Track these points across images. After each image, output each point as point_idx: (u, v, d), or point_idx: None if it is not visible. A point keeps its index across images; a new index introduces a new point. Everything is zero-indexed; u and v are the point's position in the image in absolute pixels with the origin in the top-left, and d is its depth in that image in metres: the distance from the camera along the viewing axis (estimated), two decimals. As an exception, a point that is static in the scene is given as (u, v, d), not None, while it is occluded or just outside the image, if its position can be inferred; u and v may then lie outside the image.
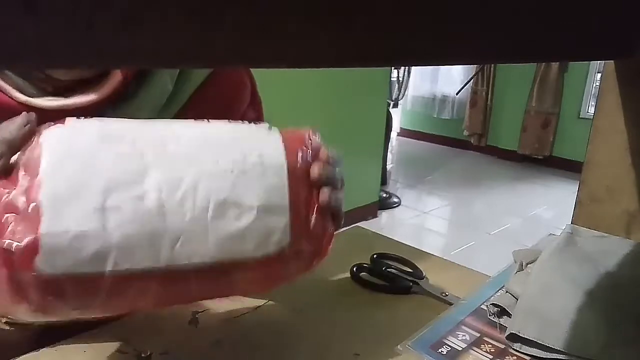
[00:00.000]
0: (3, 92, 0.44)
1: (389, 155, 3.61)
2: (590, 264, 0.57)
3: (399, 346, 0.50)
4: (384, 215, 3.13)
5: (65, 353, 0.47)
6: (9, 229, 0.31)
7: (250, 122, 0.42)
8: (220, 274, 0.38)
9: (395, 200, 3.30)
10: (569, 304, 0.51)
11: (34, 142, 0.33)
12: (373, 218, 3.01)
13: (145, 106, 0.49)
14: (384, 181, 3.32)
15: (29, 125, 0.34)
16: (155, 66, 0.46)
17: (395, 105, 3.71)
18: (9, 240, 0.31)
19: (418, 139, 5.12)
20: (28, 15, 0.15)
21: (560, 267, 0.57)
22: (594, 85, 3.96)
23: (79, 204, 0.32)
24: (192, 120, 0.40)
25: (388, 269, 0.66)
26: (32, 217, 0.31)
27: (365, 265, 0.66)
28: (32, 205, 0.31)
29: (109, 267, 0.33)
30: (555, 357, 0.47)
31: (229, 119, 0.60)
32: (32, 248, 0.31)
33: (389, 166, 3.64)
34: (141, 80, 0.49)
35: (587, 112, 4.01)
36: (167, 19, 0.17)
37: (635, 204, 0.62)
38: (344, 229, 0.79)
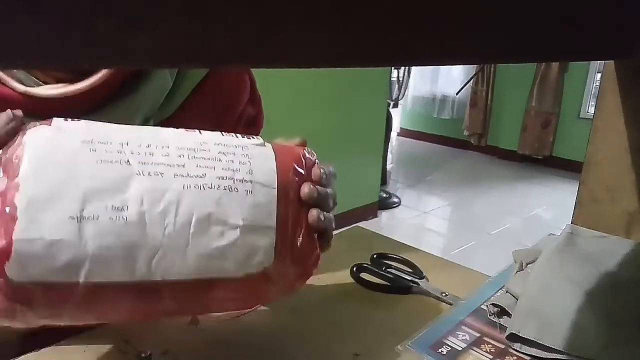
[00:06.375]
0: (3, 83, 0.44)
1: (389, 155, 3.61)
2: (590, 264, 0.57)
3: (399, 346, 0.50)
4: (384, 215, 3.13)
5: (65, 353, 0.47)
6: None
7: (244, 135, 0.40)
8: (197, 292, 0.37)
9: (395, 200, 3.29)
10: (569, 304, 0.51)
11: (17, 141, 0.32)
12: (373, 218, 3.01)
13: (146, 101, 0.49)
14: (384, 181, 3.32)
15: (14, 122, 0.33)
16: (155, 66, 0.46)
17: (395, 105, 3.71)
18: None
19: (418, 139, 5.12)
20: (28, 15, 0.15)
21: (560, 267, 0.57)
22: (594, 85, 3.96)
23: (56, 210, 0.31)
24: (183, 130, 0.38)
25: (388, 269, 0.66)
26: (6, 222, 0.30)
27: (365, 265, 0.66)
28: (7, 209, 0.30)
29: (81, 277, 0.32)
30: (555, 357, 0.47)
31: (228, 116, 0.60)
32: (3, 253, 0.30)
33: (389, 166, 3.64)
34: (141, 75, 0.49)
35: (587, 112, 4.01)
36: (167, 19, 0.17)
37: (635, 204, 0.62)
38: (344, 229, 0.80)
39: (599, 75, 3.74)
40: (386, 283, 0.63)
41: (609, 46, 0.40)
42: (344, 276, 0.64)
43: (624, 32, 0.38)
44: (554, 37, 0.32)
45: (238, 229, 0.36)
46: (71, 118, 0.47)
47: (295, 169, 0.40)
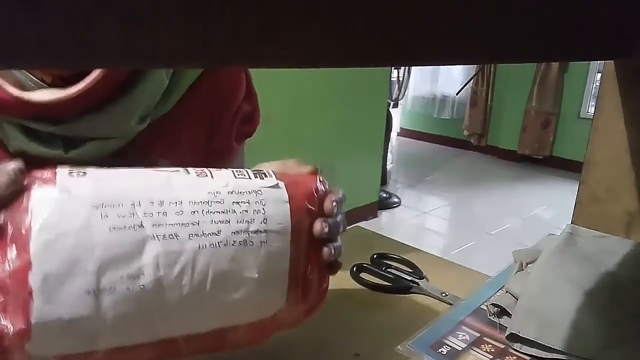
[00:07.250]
0: None
1: (389, 155, 3.61)
2: (590, 264, 0.57)
3: (399, 346, 0.50)
4: (384, 215, 3.13)
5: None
6: None
7: (257, 174, 0.39)
8: (212, 338, 0.38)
9: (395, 200, 3.29)
10: (569, 304, 0.51)
11: (22, 205, 0.31)
12: (373, 218, 3.01)
13: (143, 100, 0.49)
14: (384, 181, 3.32)
15: (18, 182, 0.31)
16: (155, 66, 0.45)
17: (395, 105, 3.71)
18: None
19: (418, 139, 5.12)
20: (28, 15, 0.15)
21: (560, 267, 0.57)
22: (594, 85, 3.96)
23: (72, 286, 0.30)
24: (195, 174, 0.37)
25: (388, 269, 0.66)
26: (22, 302, 0.29)
27: (365, 265, 0.66)
28: (21, 288, 0.29)
29: (100, 346, 0.32)
30: (555, 357, 0.47)
31: (224, 113, 0.60)
32: (23, 334, 0.30)
33: (389, 166, 3.64)
34: (138, 74, 0.49)
35: (587, 112, 4.01)
36: (167, 19, 0.17)
37: (635, 204, 0.62)
38: (344, 229, 0.80)
39: (599, 75, 3.73)
40: (386, 283, 0.63)
41: (609, 46, 0.40)
42: (344, 276, 0.64)
43: (624, 32, 0.38)
44: (554, 37, 0.32)
45: (253, 282, 0.36)
46: (67, 119, 0.47)
47: (308, 207, 0.40)
